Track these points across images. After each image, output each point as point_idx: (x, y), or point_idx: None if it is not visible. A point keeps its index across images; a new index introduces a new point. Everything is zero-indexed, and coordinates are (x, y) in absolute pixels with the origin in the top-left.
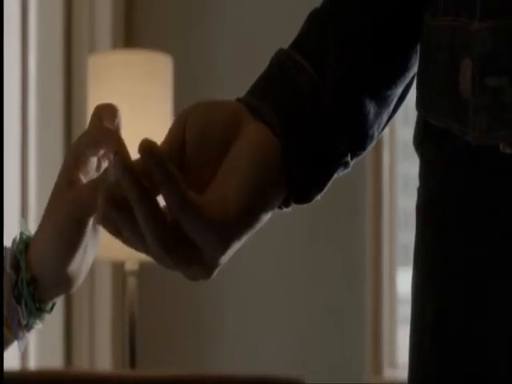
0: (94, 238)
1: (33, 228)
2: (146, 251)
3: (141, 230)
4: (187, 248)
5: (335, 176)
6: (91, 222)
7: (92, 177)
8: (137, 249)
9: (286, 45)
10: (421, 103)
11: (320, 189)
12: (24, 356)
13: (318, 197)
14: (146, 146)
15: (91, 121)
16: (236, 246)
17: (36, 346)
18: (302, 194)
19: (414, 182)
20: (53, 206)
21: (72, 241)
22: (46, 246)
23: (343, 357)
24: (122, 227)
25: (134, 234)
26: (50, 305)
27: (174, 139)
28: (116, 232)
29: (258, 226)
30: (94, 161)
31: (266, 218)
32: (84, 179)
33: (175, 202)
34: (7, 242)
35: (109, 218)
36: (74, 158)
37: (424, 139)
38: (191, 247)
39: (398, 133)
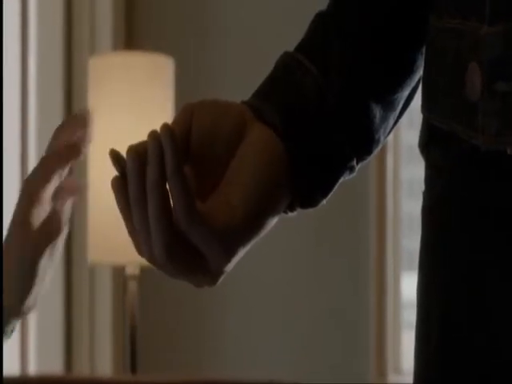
0: (49, 267)
1: None
2: (150, 254)
3: (148, 226)
4: (191, 255)
5: (341, 180)
6: (44, 261)
7: (46, 211)
8: (140, 251)
9: (288, 46)
10: (425, 105)
11: (325, 193)
12: (24, 361)
13: (324, 201)
14: (167, 129)
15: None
16: (241, 253)
17: (36, 351)
18: (307, 197)
19: (419, 186)
20: (7, 246)
21: (27, 279)
22: (5, 280)
23: (347, 362)
24: (133, 210)
25: (141, 221)
26: (11, 328)
27: (180, 134)
28: (126, 209)
29: (264, 231)
30: (49, 194)
31: (272, 223)
32: (38, 218)
33: (182, 205)
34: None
35: (123, 190)
36: (27, 197)
37: (429, 142)
38: (195, 255)
39: (403, 136)
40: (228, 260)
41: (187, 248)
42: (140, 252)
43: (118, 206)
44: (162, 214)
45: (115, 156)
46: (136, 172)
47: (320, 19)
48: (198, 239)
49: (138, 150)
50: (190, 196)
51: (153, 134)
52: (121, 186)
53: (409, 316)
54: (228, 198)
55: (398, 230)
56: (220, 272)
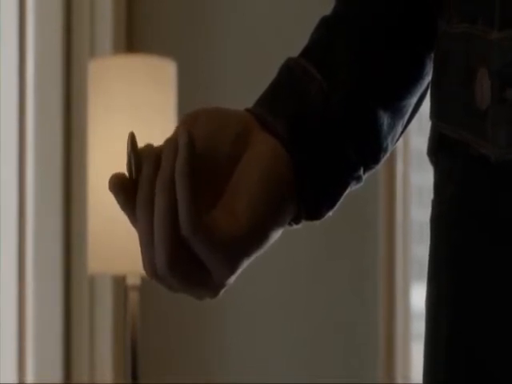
0: None
1: (30, 234)
2: (151, 265)
3: (152, 233)
4: (193, 268)
5: (348, 191)
6: None
7: None
8: (144, 263)
9: (291, 49)
10: (434, 112)
11: (331, 204)
12: (21, 373)
13: (330, 213)
14: (187, 131)
15: None
16: (244, 265)
17: (34, 363)
18: (313, 209)
19: (429, 193)
20: None
21: None
22: None
23: (355, 373)
24: (140, 213)
25: (146, 226)
26: None
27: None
28: (133, 214)
29: (268, 243)
30: None
31: (276, 235)
32: None
33: (187, 211)
34: (4, 247)
35: (129, 193)
36: None
37: (438, 149)
38: (197, 268)
39: (412, 142)
40: (231, 271)
41: (189, 260)
42: (143, 262)
43: (125, 209)
44: (168, 218)
45: (135, 150)
46: (151, 175)
47: (325, 24)
48: (202, 249)
49: (156, 153)
50: (196, 203)
51: (171, 138)
52: (126, 188)
53: (419, 327)
54: (232, 208)
55: (408, 238)
56: (222, 284)
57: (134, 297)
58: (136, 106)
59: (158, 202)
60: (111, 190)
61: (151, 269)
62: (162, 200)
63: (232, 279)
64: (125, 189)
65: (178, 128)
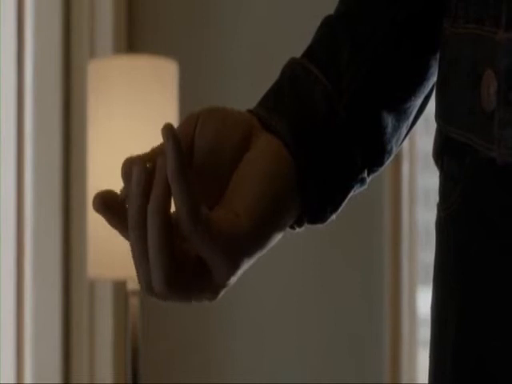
0: None
1: (29, 238)
2: (148, 286)
3: (147, 256)
4: (191, 276)
5: (351, 194)
6: None
7: None
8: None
9: (294, 49)
10: (440, 114)
11: (334, 207)
12: (20, 372)
13: (333, 217)
14: (169, 128)
15: None
16: (245, 266)
17: (32, 371)
18: (316, 212)
19: (436, 195)
20: None
21: None
22: None
23: (361, 381)
24: (133, 237)
25: (141, 252)
26: None
27: (184, 143)
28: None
29: (269, 245)
30: None
31: (278, 237)
32: None
33: (187, 208)
34: (3, 251)
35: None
36: None
37: (443, 151)
38: (196, 272)
39: (419, 143)
40: (232, 270)
41: (188, 272)
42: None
43: (115, 227)
44: (164, 243)
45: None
46: (141, 191)
47: (327, 24)
48: (202, 245)
49: (146, 169)
50: (195, 199)
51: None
52: (113, 206)
53: (425, 333)
54: (233, 207)
55: (414, 242)
56: (222, 284)
57: (134, 302)
58: (137, 108)
59: (152, 226)
60: (96, 211)
61: (148, 287)
62: (157, 223)
63: (233, 280)
64: (111, 208)
65: (180, 127)
